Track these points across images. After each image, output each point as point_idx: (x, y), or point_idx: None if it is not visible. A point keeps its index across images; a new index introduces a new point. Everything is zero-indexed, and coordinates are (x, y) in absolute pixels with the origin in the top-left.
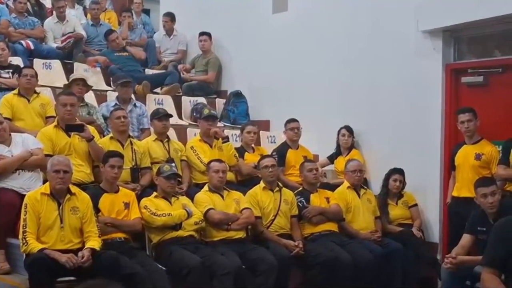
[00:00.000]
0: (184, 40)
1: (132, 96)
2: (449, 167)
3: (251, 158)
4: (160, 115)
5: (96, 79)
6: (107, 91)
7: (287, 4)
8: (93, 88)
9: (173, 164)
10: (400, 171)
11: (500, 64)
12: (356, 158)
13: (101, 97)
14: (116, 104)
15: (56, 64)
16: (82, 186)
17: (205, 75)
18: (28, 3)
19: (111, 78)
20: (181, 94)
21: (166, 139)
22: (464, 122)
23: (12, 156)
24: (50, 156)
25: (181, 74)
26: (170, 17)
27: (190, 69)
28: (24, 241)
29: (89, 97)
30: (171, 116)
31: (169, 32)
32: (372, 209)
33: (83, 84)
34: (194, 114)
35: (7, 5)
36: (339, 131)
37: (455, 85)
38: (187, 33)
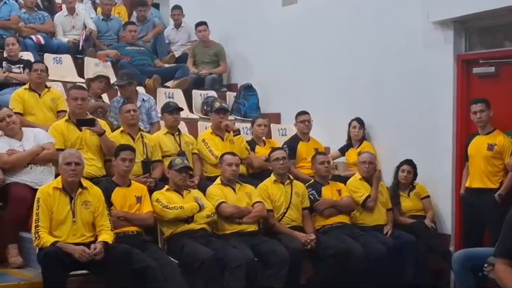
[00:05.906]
0: (193, 31)
1: (139, 90)
2: (461, 158)
3: (262, 151)
4: (171, 109)
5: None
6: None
7: None
8: None
9: (185, 157)
10: (409, 162)
11: None
12: (368, 150)
13: (112, 92)
14: (124, 101)
15: (67, 58)
16: (94, 180)
17: (215, 67)
18: None
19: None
20: (191, 87)
21: (177, 133)
22: (477, 113)
23: (23, 150)
24: (62, 150)
25: (190, 72)
26: (180, 9)
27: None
28: (36, 235)
29: None
30: (181, 109)
31: (177, 24)
32: (384, 201)
33: (106, 83)
34: (205, 107)
35: (17, 0)
36: (350, 123)
37: (467, 76)
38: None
